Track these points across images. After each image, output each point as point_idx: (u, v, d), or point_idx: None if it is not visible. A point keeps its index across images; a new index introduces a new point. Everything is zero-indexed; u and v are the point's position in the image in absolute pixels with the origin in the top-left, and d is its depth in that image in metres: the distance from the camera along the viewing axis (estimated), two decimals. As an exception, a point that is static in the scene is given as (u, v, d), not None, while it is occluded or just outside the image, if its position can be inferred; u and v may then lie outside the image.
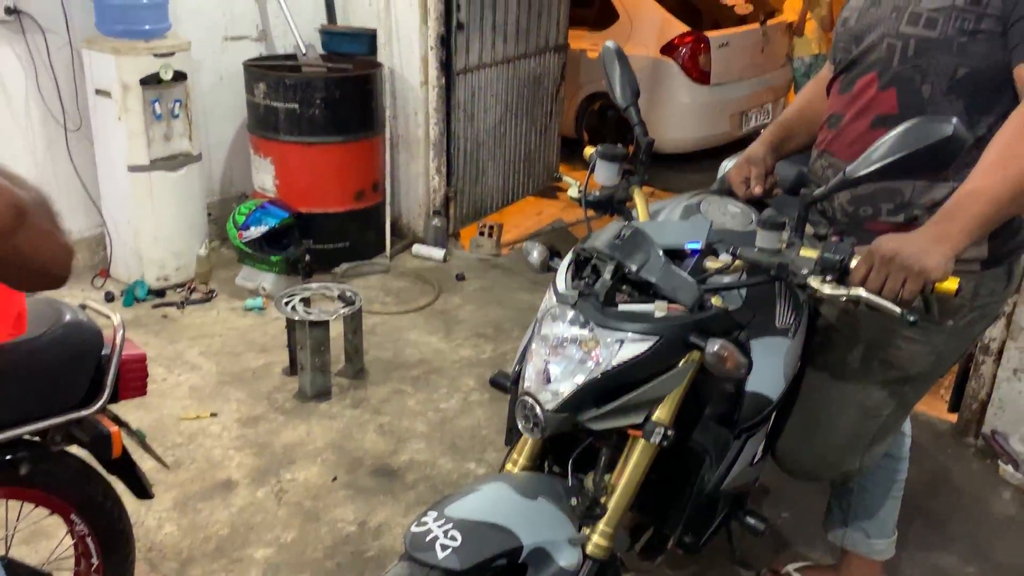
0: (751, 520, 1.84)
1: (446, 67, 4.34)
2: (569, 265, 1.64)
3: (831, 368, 1.83)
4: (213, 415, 3.06)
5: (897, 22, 1.63)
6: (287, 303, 3.18)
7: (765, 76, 6.55)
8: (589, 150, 1.95)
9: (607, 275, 1.53)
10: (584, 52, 6.00)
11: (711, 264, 1.60)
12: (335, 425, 3.04)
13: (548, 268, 1.77)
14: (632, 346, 1.48)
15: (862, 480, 2.11)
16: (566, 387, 1.50)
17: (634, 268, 1.51)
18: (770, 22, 6.47)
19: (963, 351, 1.93)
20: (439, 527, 1.44)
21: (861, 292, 1.40)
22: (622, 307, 1.53)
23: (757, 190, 1.86)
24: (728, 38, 6.17)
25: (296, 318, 3.11)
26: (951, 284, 1.40)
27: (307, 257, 3.97)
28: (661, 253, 1.53)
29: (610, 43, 1.87)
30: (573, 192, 1.86)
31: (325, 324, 3.12)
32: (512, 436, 1.96)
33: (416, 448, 2.92)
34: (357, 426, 3.04)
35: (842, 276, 1.44)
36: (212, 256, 4.12)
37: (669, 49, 5.95)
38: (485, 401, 3.21)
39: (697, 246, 1.62)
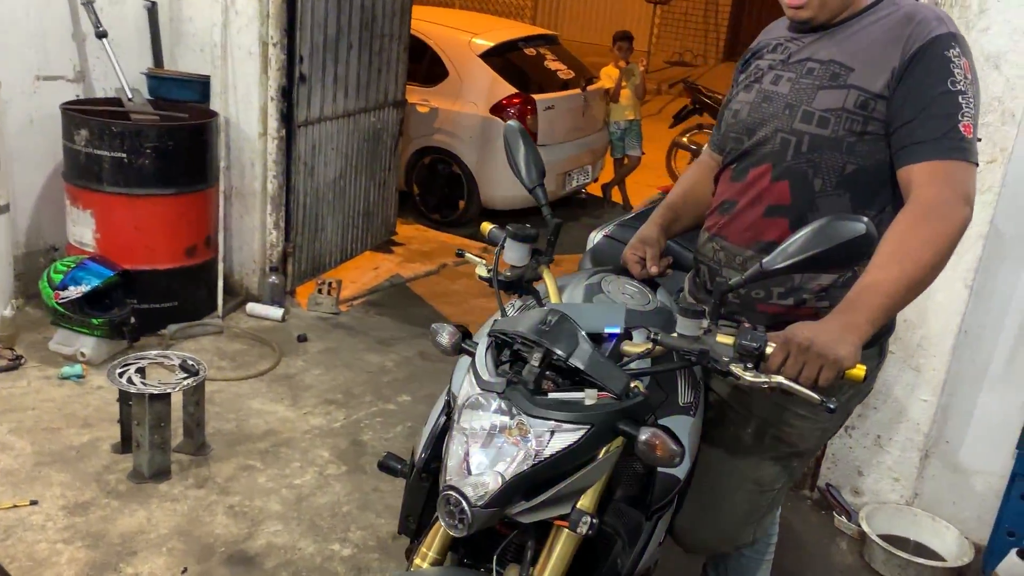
0: None
1: (287, 119, 4.18)
2: (488, 349, 1.60)
3: (726, 445, 1.90)
4: (33, 503, 2.70)
5: (791, 119, 1.74)
6: (121, 374, 2.89)
7: (586, 138, 6.83)
8: (487, 226, 1.93)
9: (535, 362, 1.50)
10: (414, 107, 6.01)
11: (630, 348, 1.62)
12: (179, 508, 2.77)
13: (460, 350, 1.72)
14: (564, 435, 1.46)
15: (740, 546, 2.19)
16: (494, 480, 1.45)
17: (563, 355, 1.49)
18: (590, 88, 6.78)
19: (842, 424, 2.06)
20: None
21: (782, 380, 1.46)
22: (552, 395, 1.50)
23: (654, 270, 1.91)
24: (553, 101, 6.40)
25: (134, 391, 2.82)
26: (859, 371, 1.48)
27: (132, 319, 3.64)
28: (587, 339, 1.53)
29: (513, 123, 1.87)
30: (482, 272, 1.82)
31: (166, 397, 2.86)
32: (408, 525, 1.88)
33: (272, 530, 2.72)
34: (204, 508, 2.79)
35: (757, 362, 1.49)
36: (18, 317, 3.68)
37: (498, 109, 6.08)
38: (343, 474, 3.05)
39: (616, 330, 1.64)
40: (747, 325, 1.54)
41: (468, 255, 1.90)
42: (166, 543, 2.60)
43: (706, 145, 2.13)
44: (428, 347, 4.12)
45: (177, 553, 2.57)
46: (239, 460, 3.07)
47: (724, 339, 1.51)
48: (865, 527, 2.94)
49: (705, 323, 1.53)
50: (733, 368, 1.47)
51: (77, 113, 3.72)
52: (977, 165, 1.63)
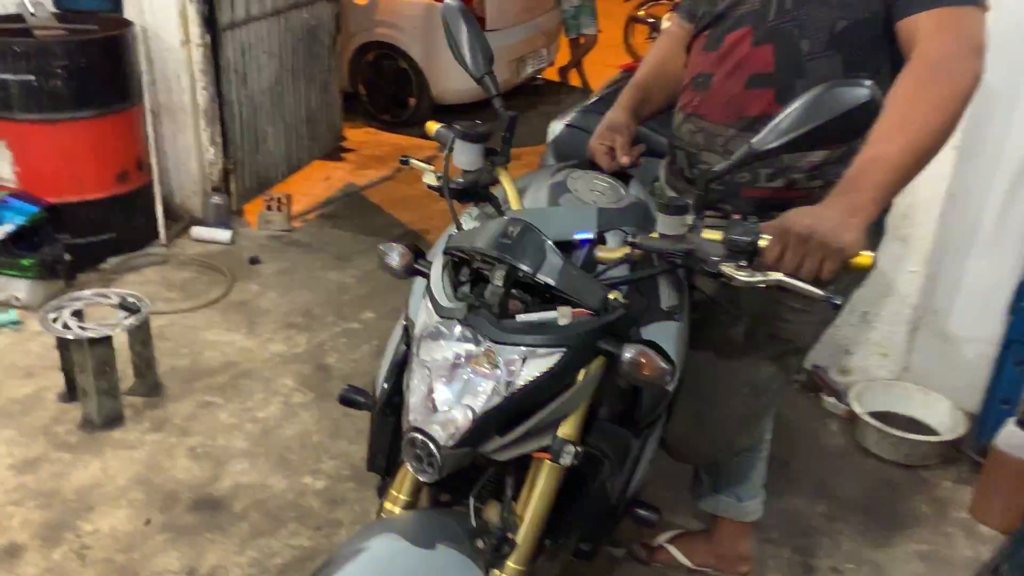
0: (643, 512, 1.70)
1: (210, 22, 3.81)
2: (444, 270, 1.39)
3: (716, 347, 1.73)
4: (-24, 465, 2.52)
5: (771, -29, 1.50)
6: (55, 319, 2.65)
7: (538, 20, 6.46)
8: (433, 126, 1.70)
9: (498, 281, 1.31)
10: (351, -2, 5.61)
11: (605, 255, 1.42)
12: (136, 456, 2.60)
13: (413, 272, 1.52)
14: (538, 361, 1.27)
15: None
16: (463, 417, 1.27)
17: (530, 271, 1.29)
18: (538, -37, 6.37)
19: (840, 313, 1.90)
20: None
21: (781, 277, 1.28)
22: (520, 317, 1.31)
23: (625, 160, 1.69)
24: (503, -21, 6.00)
25: (70, 336, 2.60)
26: (866, 259, 1.30)
27: (66, 256, 3.38)
28: (556, 249, 1.33)
29: (451, 2, 1.61)
30: (430, 180, 1.59)
31: (107, 340, 2.64)
32: (377, 462, 1.71)
33: (239, 469, 2.56)
34: (163, 453, 2.62)
35: (751, 258, 1.31)
36: (-58, 264, 3.40)
37: (444, -8, 5.68)
38: (309, 402, 2.89)
39: (588, 235, 1.44)
40: (736, 216, 1.34)
41: (413, 161, 1.67)
42: (125, 494, 2.44)
43: (671, 14, 1.88)
44: (389, 257, 3.89)
45: (138, 504, 2.41)
46: (197, 397, 2.88)
47: (711, 235, 1.32)
48: (855, 406, 2.85)
49: (689, 218, 1.33)
50: (724, 268, 1.28)
51: (-28, 34, 3.35)
52: (987, 9, 1.42)
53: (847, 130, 1.24)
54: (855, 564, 2.36)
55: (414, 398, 1.32)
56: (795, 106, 1.25)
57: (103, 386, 2.66)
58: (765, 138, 1.27)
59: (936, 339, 2.91)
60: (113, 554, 2.24)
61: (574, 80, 6.94)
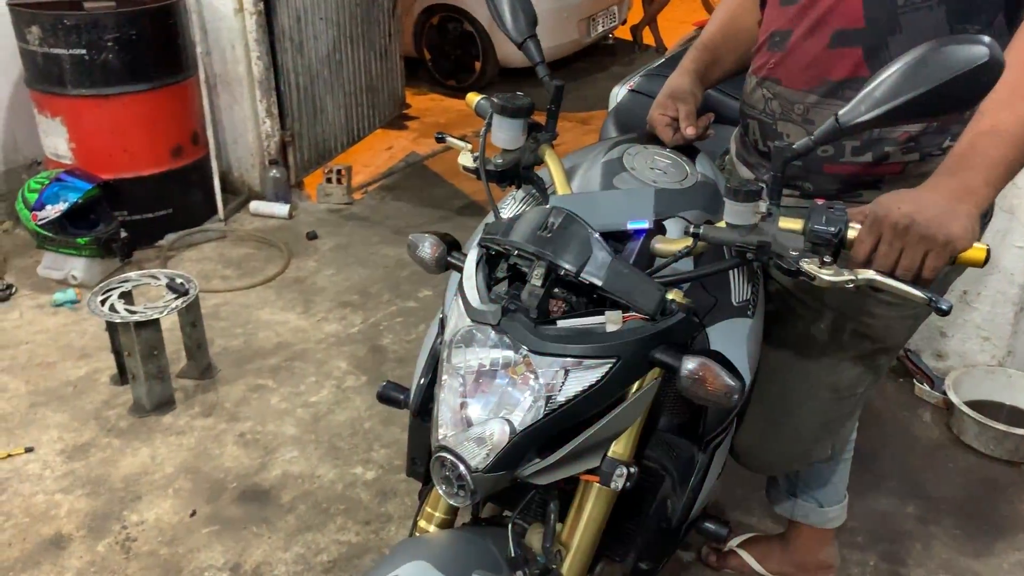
0: (711, 526, 1.51)
1: (263, -11, 3.69)
2: (479, 265, 1.22)
3: (794, 345, 1.52)
4: (28, 450, 2.48)
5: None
6: (103, 301, 2.59)
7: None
8: (474, 97, 1.52)
9: (537, 280, 1.13)
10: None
11: (663, 247, 1.23)
12: (185, 442, 2.53)
13: (446, 265, 1.36)
14: (582, 374, 1.10)
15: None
16: (500, 432, 1.11)
17: (573, 269, 1.12)
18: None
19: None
20: None
21: (874, 276, 1.07)
22: (562, 323, 1.14)
23: (690, 132, 1.48)
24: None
25: (118, 319, 2.53)
26: (979, 253, 1.08)
27: (122, 234, 3.33)
28: (603, 243, 1.14)
29: (491, -46, 1.42)
30: (466, 161, 1.42)
31: (155, 323, 2.57)
32: (415, 468, 1.57)
33: (288, 458, 2.47)
34: (212, 440, 2.54)
35: (837, 251, 1.10)
36: (5, 241, 3.41)
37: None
38: (362, 386, 2.77)
39: (643, 225, 1.24)
40: (819, 201, 1.13)
41: (449, 139, 1.50)
42: (172, 483, 2.37)
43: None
44: (453, 231, 3.74)
45: (184, 494, 2.34)
46: (249, 380, 2.80)
47: (790, 224, 1.11)
48: (952, 395, 2.59)
49: (763, 205, 1.13)
50: (804, 266, 1.08)
51: (25, 9, 3.30)
52: None
53: (959, 99, 1.02)
54: (950, 574, 2.13)
55: (445, 412, 1.17)
56: (893, 70, 1.03)
57: (152, 370, 2.60)
58: (856, 109, 1.05)
59: (1046, 321, 2.62)
60: (157, 547, 2.17)
61: (648, 38, 6.63)
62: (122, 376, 2.73)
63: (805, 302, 1.50)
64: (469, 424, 1.14)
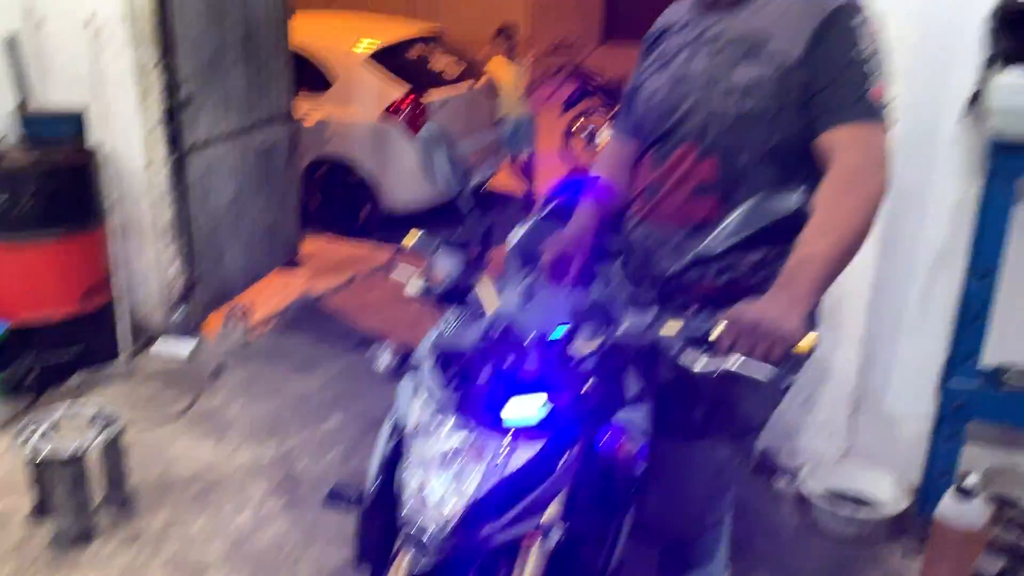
0: None
1: (175, 144, 3.98)
2: (435, 367, 1.53)
3: (678, 429, 1.89)
4: (-55, 589, 2.50)
5: (711, 95, 1.73)
6: (26, 441, 2.68)
7: (481, 134, 6.79)
8: (411, 237, 1.86)
9: (484, 377, 1.45)
10: (303, 119, 5.85)
11: (579, 347, 1.58)
12: (110, 573, 2.60)
13: (401, 373, 1.65)
14: (524, 448, 1.41)
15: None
16: (456, 502, 1.39)
17: (512, 365, 1.45)
18: (477, 84, 6.75)
19: (786, 394, 2.08)
20: None
21: (732, 367, 1.45)
22: (506, 407, 1.45)
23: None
24: (445, 99, 6.33)
25: (41, 457, 2.62)
26: (810, 340, 1.49)
27: (32, 373, 3.40)
28: (535, 345, 1.48)
29: (432, 126, 1.80)
30: (414, 288, 1.74)
31: (80, 459, 2.67)
32: (366, 555, 1.80)
33: (216, 579, 2.59)
34: (137, 569, 2.62)
35: (707, 347, 1.48)
36: (-98, 388, 3.40)
37: (391, 112, 5.98)
38: (281, 510, 2.93)
39: (561, 333, 1.59)
40: (691, 310, 1.53)
41: (401, 266, 1.82)
42: (101, 611, 2.44)
43: (610, 133, 2.11)
44: (351, 364, 4.02)
45: (115, 620, 2.41)
46: (169, 510, 2.91)
47: (671, 328, 1.49)
48: (806, 488, 3.01)
49: (651, 314, 1.51)
50: (683, 359, 1.45)
51: (-60, 161, 3.45)
52: (889, 127, 1.66)
53: (780, 234, 1.45)
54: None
55: (407, 493, 1.44)
56: (734, 216, 1.46)
57: (75, 504, 2.68)
58: (711, 244, 1.47)
59: (876, 418, 3.11)
60: (92, 671, 2.23)
61: (518, 188, 7.26)
62: (41, 511, 2.78)
63: (682, 395, 1.87)
64: (427, 503, 1.42)
